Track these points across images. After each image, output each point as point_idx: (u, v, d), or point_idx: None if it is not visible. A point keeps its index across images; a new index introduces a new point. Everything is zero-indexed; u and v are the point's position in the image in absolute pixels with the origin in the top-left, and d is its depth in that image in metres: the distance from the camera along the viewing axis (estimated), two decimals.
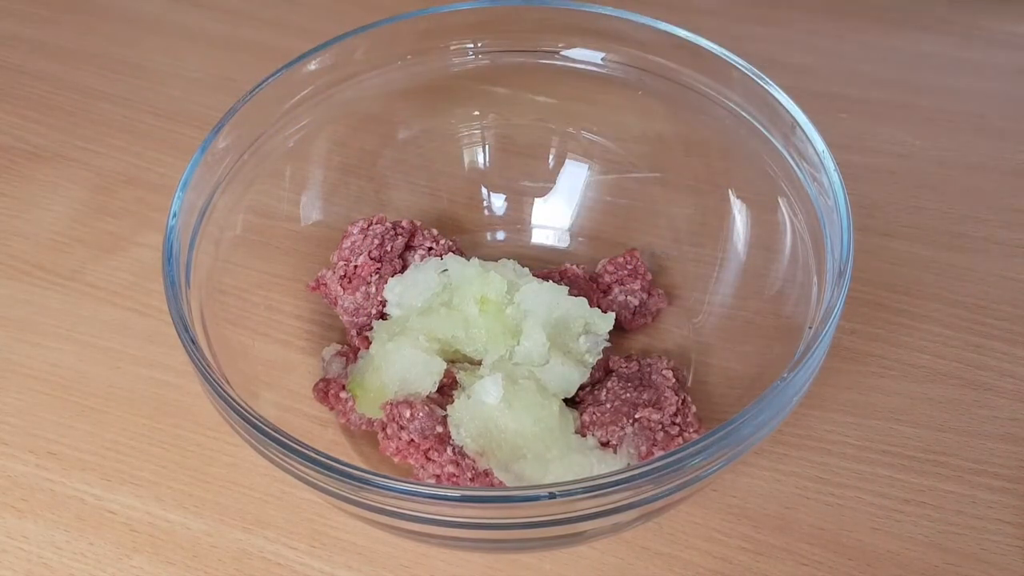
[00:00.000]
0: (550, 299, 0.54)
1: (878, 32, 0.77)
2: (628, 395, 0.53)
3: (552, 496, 0.40)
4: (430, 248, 0.59)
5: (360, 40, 0.58)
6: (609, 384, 0.54)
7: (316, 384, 0.55)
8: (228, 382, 0.46)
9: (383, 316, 0.57)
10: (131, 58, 0.78)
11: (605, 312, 0.56)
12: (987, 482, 0.53)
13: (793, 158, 0.53)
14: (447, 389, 0.54)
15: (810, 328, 0.48)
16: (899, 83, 0.73)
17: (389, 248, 0.58)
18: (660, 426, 0.51)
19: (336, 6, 0.80)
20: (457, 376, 0.54)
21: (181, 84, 0.76)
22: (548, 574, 0.50)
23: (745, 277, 0.58)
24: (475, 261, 0.56)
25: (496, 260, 0.58)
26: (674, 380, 0.53)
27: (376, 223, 0.58)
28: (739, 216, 0.58)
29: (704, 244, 0.60)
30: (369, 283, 0.57)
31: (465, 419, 0.51)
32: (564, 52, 0.59)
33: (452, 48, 0.60)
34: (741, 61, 0.54)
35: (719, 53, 0.55)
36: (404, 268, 0.58)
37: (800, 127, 0.52)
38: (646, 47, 0.57)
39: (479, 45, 0.60)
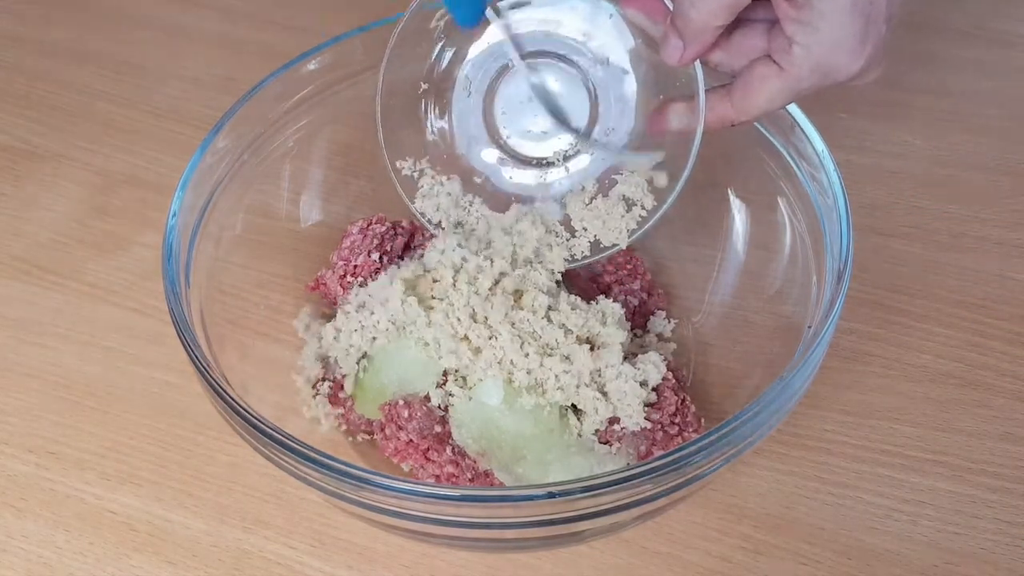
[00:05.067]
0: None
1: None
2: None
3: (551, 495, 0.40)
4: None
5: (360, 40, 0.58)
6: None
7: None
8: (228, 382, 0.46)
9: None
10: (131, 58, 0.78)
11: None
12: (987, 482, 0.53)
13: (793, 158, 0.53)
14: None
15: (809, 328, 0.48)
16: (899, 83, 0.73)
17: (389, 248, 0.58)
18: (659, 426, 0.51)
19: (336, 6, 0.80)
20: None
21: (181, 84, 0.76)
22: (548, 574, 0.50)
23: (745, 277, 0.58)
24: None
25: None
26: (674, 380, 0.53)
27: (376, 223, 0.58)
28: (738, 216, 0.58)
29: (704, 244, 0.60)
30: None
31: (466, 420, 0.51)
32: None
33: None
34: None
35: None
36: None
37: (800, 127, 0.52)
38: None
39: None
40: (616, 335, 0.52)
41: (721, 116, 0.49)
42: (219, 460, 0.55)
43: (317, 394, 0.54)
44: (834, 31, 0.43)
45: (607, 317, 0.52)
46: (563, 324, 0.51)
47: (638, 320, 0.59)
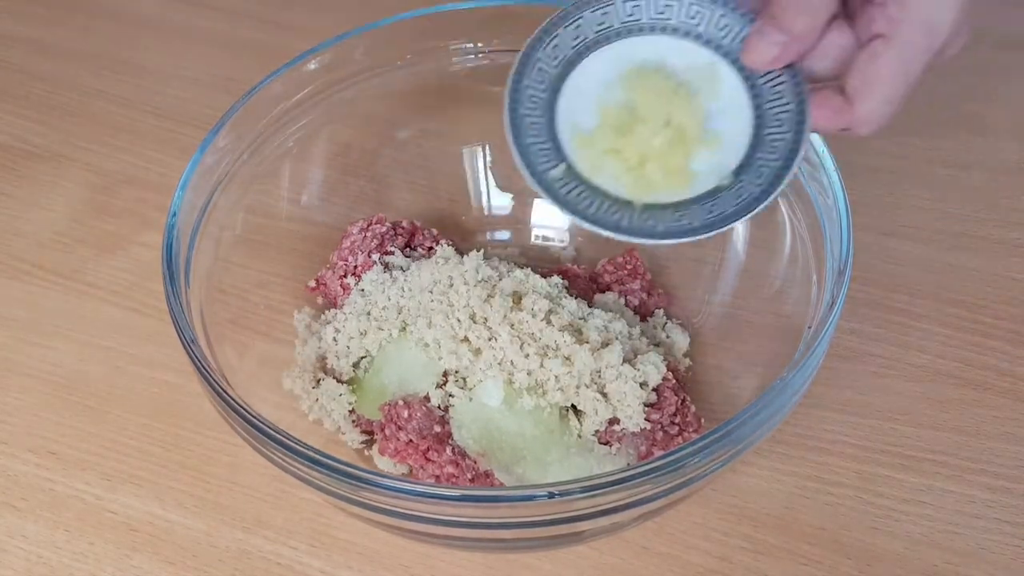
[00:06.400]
0: None
1: None
2: None
3: (551, 496, 0.40)
4: (430, 248, 0.59)
5: (360, 40, 0.58)
6: None
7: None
8: (228, 382, 0.46)
9: None
10: (131, 58, 0.78)
11: None
12: (987, 482, 0.53)
13: None
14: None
15: (810, 328, 0.48)
16: None
17: (389, 248, 0.58)
18: (660, 426, 0.51)
19: (336, 6, 0.80)
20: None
21: (181, 84, 0.76)
22: (548, 574, 0.50)
23: (745, 277, 0.58)
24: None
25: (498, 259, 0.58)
26: (674, 380, 0.53)
27: (376, 223, 0.58)
28: None
29: (704, 244, 0.59)
30: None
31: (466, 420, 0.51)
32: None
33: (452, 48, 0.60)
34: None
35: None
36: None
37: None
38: None
39: (479, 45, 0.60)
40: (622, 329, 0.52)
41: (834, 115, 0.45)
42: (219, 460, 0.55)
43: (317, 400, 0.54)
44: None
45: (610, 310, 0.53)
46: (564, 326, 0.51)
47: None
